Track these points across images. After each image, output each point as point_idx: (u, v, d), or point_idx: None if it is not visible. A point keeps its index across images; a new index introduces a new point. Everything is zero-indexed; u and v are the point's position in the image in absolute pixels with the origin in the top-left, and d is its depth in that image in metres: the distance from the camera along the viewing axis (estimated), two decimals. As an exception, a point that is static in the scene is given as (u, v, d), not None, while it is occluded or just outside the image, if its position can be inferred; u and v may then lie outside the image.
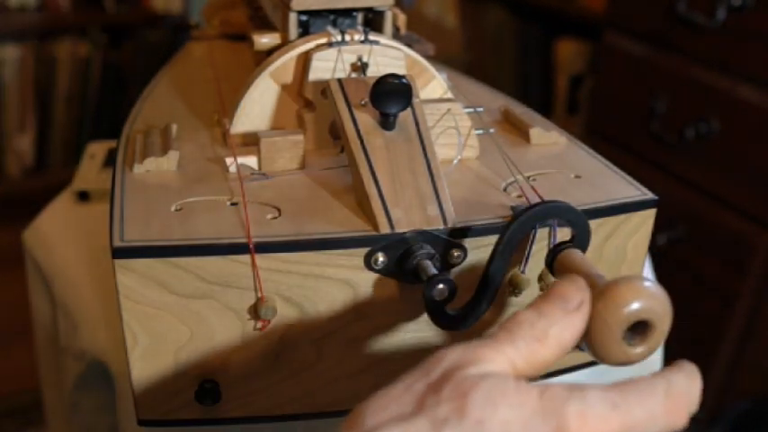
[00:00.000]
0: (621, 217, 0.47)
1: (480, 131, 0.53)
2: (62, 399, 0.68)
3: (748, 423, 1.15)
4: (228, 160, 0.49)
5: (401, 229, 0.42)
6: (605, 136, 1.29)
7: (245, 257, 0.40)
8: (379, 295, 0.43)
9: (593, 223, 0.43)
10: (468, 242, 0.43)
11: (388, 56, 0.52)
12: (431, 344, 0.46)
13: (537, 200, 0.46)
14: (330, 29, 0.53)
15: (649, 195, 0.48)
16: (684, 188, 1.15)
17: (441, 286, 0.40)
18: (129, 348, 0.42)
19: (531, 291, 0.46)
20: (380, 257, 0.42)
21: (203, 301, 0.41)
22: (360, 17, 0.55)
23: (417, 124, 0.47)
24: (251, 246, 0.40)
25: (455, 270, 0.44)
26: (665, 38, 1.14)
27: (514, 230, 0.40)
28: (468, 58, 1.92)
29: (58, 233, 0.70)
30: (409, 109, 0.47)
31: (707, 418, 1.16)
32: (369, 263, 0.42)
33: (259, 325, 0.42)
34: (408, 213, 0.42)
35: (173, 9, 2.04)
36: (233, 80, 0.62)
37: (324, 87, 0.51)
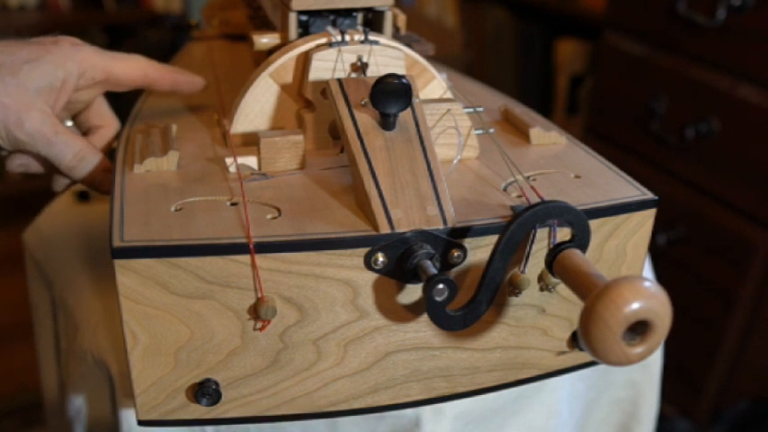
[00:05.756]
0: (621, 217, 0.47)
1: (480, 131, 0.53)
2: (62, 399, 0.68)
3: (748, 423, 1.15)
4: (228, 160, 0.49)
5: (401, 229, 0.42)
6: (605, 136, 1.29)
7: (245, 257, 0.40)
8: (379, 295, 0.43)
9: (593, 223, 0.43)
10: (468, 242, 0.43)
11: (388, 56, 0.52)
12: (431, 344, 0.46)
13: (537, 200, 0.46)
14: (330, 29, 0.53)
15: (649, 195, 0.48)
16: (684, 188, 1.15)
17: (441, 286, 0.39)
18: (129, 348, 0.42)
19: (531, 291, 0.46)
20: (380, 257, 0.42)
21: (203, 301, 0.41)
22: (360, 17, 0.55)
23: (417, 124, 0.47)
24: (251, 246, 0.40)
25: (455, 270, 0.44)
26: (665, 38, 1.14)
27: (514, 230, 0.40)
28: (468, 58, 1.92)
29: (58, 233, 0.70)
30: (409, 109, 0.47)
31: (707, 418, 1.16)
32: (369, 263, 0.42)
33: (259, 325, 0.42)
34: (408, 213, 0.42)
35: (173, 9, 2.04)
36: (233, 80, 0.62)
37: (324, 87, 0.51)
